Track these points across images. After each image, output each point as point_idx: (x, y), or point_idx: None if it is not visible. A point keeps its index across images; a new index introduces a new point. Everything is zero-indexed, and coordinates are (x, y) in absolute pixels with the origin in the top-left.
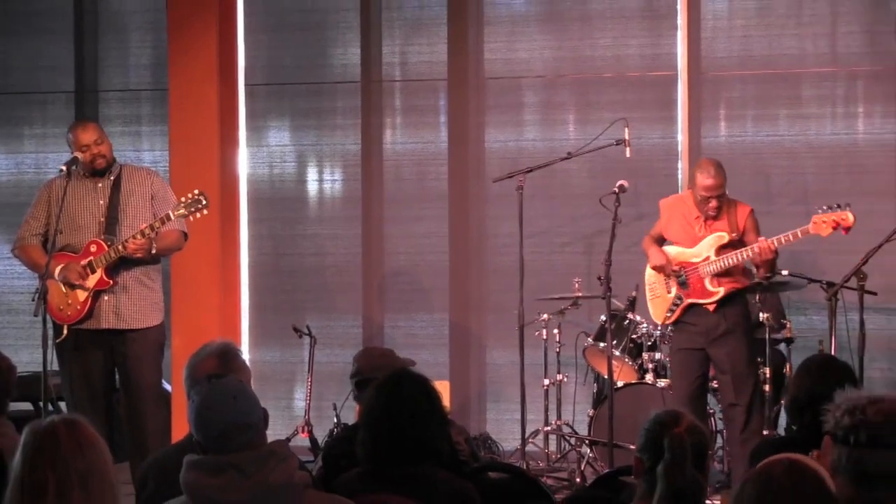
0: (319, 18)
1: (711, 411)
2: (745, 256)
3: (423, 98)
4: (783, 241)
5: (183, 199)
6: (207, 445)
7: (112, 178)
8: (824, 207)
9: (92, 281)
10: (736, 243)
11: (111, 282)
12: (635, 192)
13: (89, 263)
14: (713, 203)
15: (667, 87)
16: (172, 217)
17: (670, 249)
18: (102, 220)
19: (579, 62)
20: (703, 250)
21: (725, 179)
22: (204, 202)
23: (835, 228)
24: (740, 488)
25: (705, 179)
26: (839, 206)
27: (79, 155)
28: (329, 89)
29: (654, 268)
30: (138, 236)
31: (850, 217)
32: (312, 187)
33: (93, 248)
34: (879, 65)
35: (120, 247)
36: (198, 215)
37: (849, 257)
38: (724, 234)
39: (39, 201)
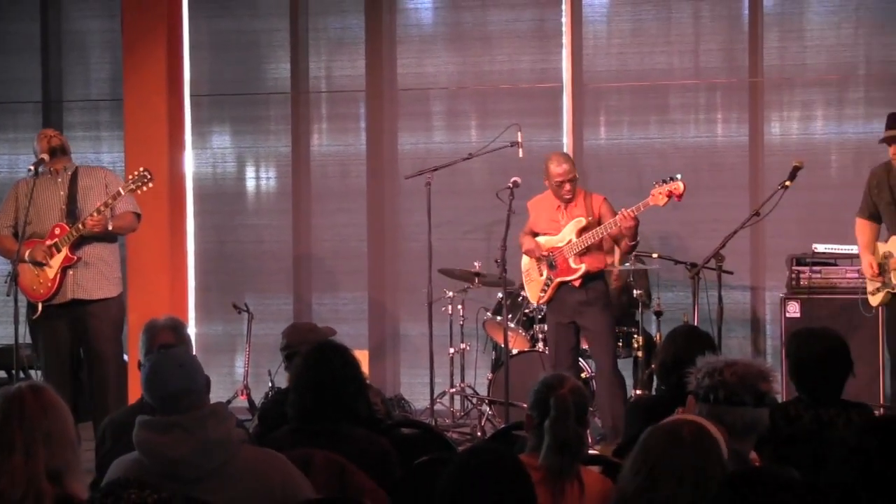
0: (254, 38)
1: (591, 375)
2: (607, 231)
3: (345, 107)
4: (634, 212)
5: (131, 176)
6: (156, 406)
7: (69, 173)
8: (660, 181)
9: (58, 260)
10: (594, 226)
11: (75, 257)
12: (527, 187)
13: (55, 244)
14: (567, 187)
15: (554, 97)
16: (123, 193)
17: (540, 239)
18: (63, 207)
19: (479, 76)
20: (566, 235)
21: (573, 166)
22: (149, 176)
23: (669, 197)
24: (644, 441)
25: (556, 167)
26: (672, 179)
27: (37, 146)
28: (263, 99)
29: (525, 252)
30: (95, 213)
31: (681, 186)
32: (250, 184)
33: (57, 231)
34: (734, 77)
35: (80, 225)
36: (144, 189)
37: (709, 242)
38: (582, 218)
39: (8, 199)
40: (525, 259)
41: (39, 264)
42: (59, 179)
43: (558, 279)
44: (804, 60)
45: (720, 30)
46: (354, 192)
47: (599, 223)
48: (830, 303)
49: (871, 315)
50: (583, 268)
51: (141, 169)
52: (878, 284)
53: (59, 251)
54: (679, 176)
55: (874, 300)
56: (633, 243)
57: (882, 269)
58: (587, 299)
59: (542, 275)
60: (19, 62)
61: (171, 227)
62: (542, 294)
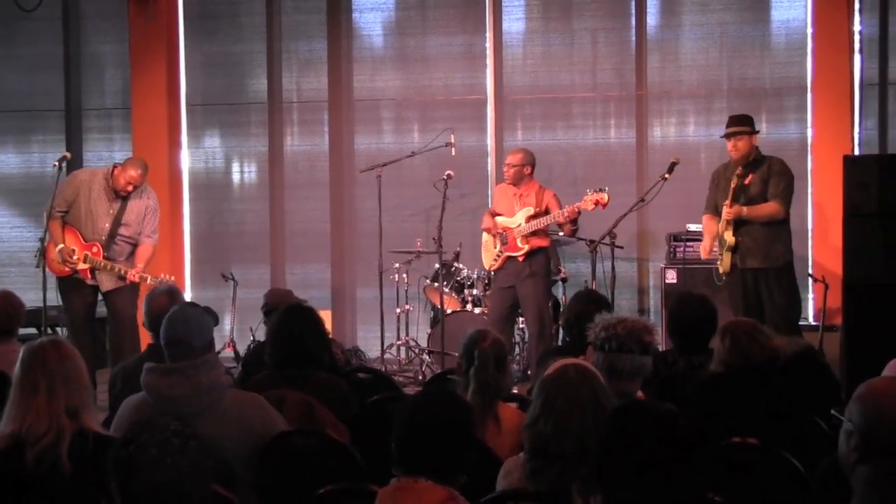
0: (238, 58)
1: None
2: (552, 220)
3: (312, 114)
4: (576, 209)
5: (162, 276)
6: (163, 345)
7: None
8: (592, 190)
9: (80, 266)
10: (541, 215)
11: (90, 277)
12: (459, 179)
13: (85, 256)
14: (506, 168)
15: (480, 106)
16: (148, 281)
17: (499, 219)
18: (107, 226)
19: (420, 89)
20: (517, 219)
21: (522, 159)
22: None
23: (596, 205)
24: (542, 383)
25: (510, 155)
26: (600, 190)
27: (111, 177)
28: (245, 108)
29: (484, 229)
30: (137, 277)
31: (606, 197)
32: (235, 177)
33: (94, 249)
34: (624, 91)
35: (118, 269)
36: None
37: (604, 223)
38: (531, 207)
39: (69, 186)
40: (485, 234)
41: (65, 261)
42: (114, 202)
43: (506, 253)
44: (679, 77)
45: (613, 53)
46: (319, 184)
47: (546, 213)
48: (700, 271)
49: (721, 283)
50: (526, 248)
51: (171, 277)
52: (718, 258)
53: (84, 262)
54: (606, 189)
55: (721, 267)
56: (574, 228)
57: (720, 241)
58: (527, 271)
59: (496, 247)
60: (47, 77)
61: (171, 212)
62: (493, 262)
